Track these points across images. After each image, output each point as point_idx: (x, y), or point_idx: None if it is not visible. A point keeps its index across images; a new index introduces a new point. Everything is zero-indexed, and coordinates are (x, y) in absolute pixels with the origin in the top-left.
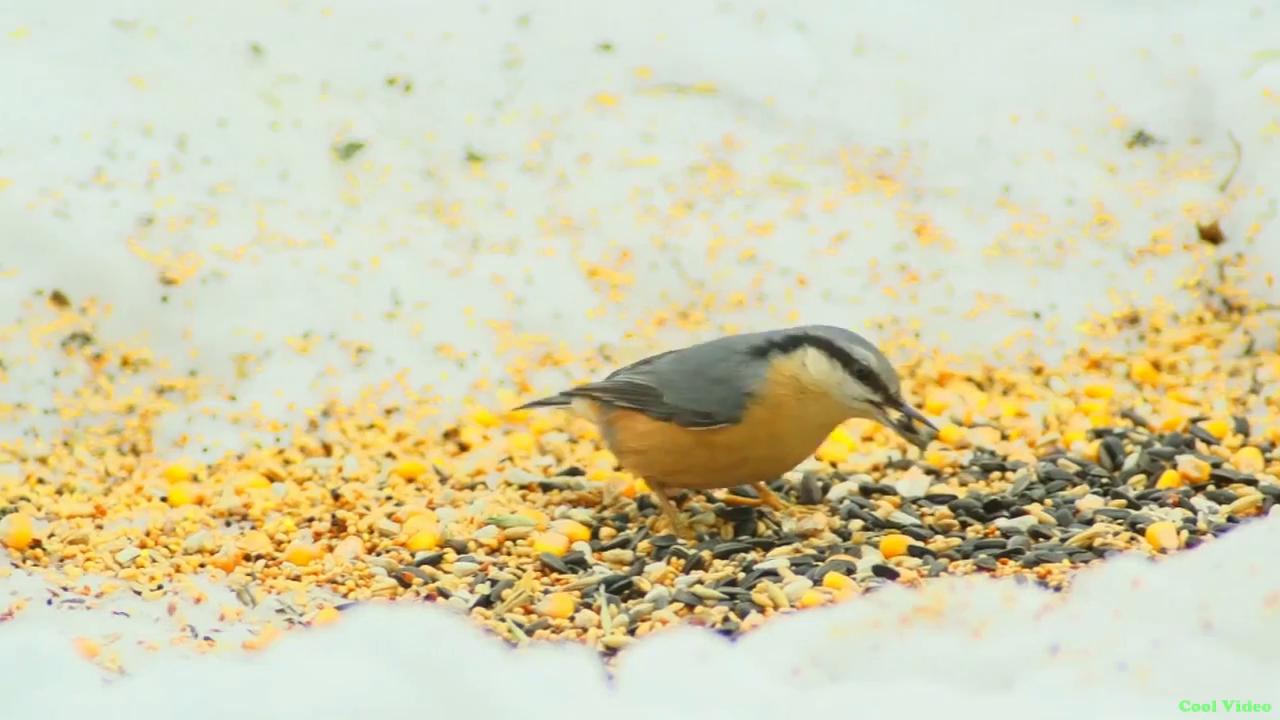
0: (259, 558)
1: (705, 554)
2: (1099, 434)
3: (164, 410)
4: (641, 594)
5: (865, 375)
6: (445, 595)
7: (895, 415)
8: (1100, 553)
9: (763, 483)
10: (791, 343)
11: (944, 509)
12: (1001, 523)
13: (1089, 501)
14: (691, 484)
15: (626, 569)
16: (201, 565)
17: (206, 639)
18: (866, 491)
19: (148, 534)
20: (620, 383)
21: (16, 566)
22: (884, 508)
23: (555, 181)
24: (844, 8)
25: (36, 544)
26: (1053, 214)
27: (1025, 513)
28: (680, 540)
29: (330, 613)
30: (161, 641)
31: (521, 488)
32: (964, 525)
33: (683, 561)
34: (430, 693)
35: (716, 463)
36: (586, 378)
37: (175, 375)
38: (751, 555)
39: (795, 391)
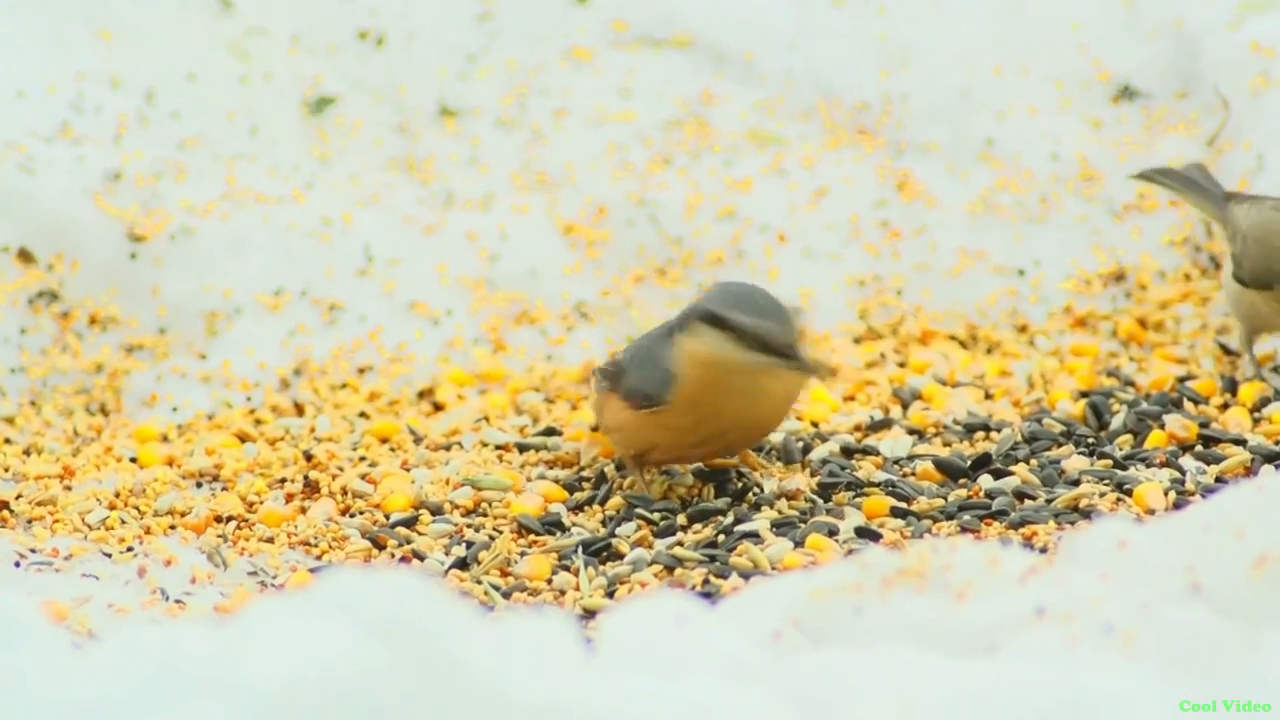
0: (230, 519)
1: (681, 517)
2: (1084, 393)
3: (133, 369)
4: (620, 556)
5: (748, 338)
6: (420, 557)
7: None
8: (1086, 514)
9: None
10: (685, 319)
11: (927, 465)
12: (986, 484)
13: (1074, 462)
14: (668, 460)
15: (604, 531)
16: (172, 527)
17: (177, 602)
18: (848, 452)
19: (117, 495)
20: (608, 362)
21: None
22: (865, 468)
23: (530, 137)
24: None
25: (4, 505)
26: (1036, 169)
27: (1010, 473)
28: (649, 508)
29: (303, 575)
30: (132, 604)
31: (497, 448)
32: (947, 485)
33: (653, 527)
34: (405, 656)
35: (681, 440)
36: (563, 336)
37: (144, 333)
38: (728, 519)
39: (705, 366)
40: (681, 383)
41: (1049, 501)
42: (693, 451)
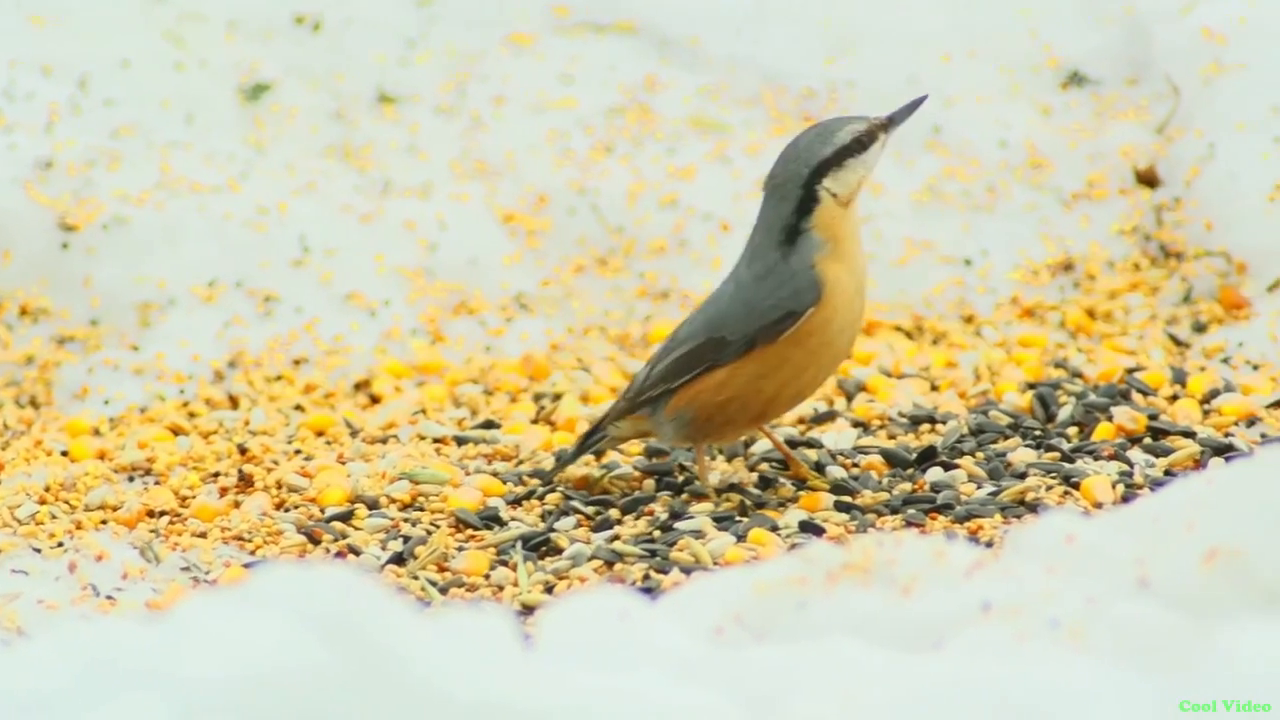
0: (163, 514)
1: (614, 511)
2: (1032, 385)
3: (64, 361)
4: (559, 551)
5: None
6: (356, 552)
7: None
8: (1033, 507)
9: (787, 447)
10: (807, 200)
11: (874, 457)
12: (931, 477)
13: (1021, 454)
14: (733, 430)
15: (543, 525)
16: (103, 522)
17: (108, 598)
18: (792, 444)
19: (47, 489)
20: (662, 370)
21: None
22: (810, 460)
23: (469, 124)
24: None
25: None
26: (984, 157)
27: (956, 466)
28: (709, 498)
29: (237, 571)
30: (62, 601)
31: (435, 441)
32: (892, 478)
33: (590, 521)
34: (341, 653)
35: (802, 366)
36: (502, 327)
37: (76, 325)
38: (663, 512)
39: (843, 219)
40: (826, 257)
41: (995, 495)
42: (795, 386)
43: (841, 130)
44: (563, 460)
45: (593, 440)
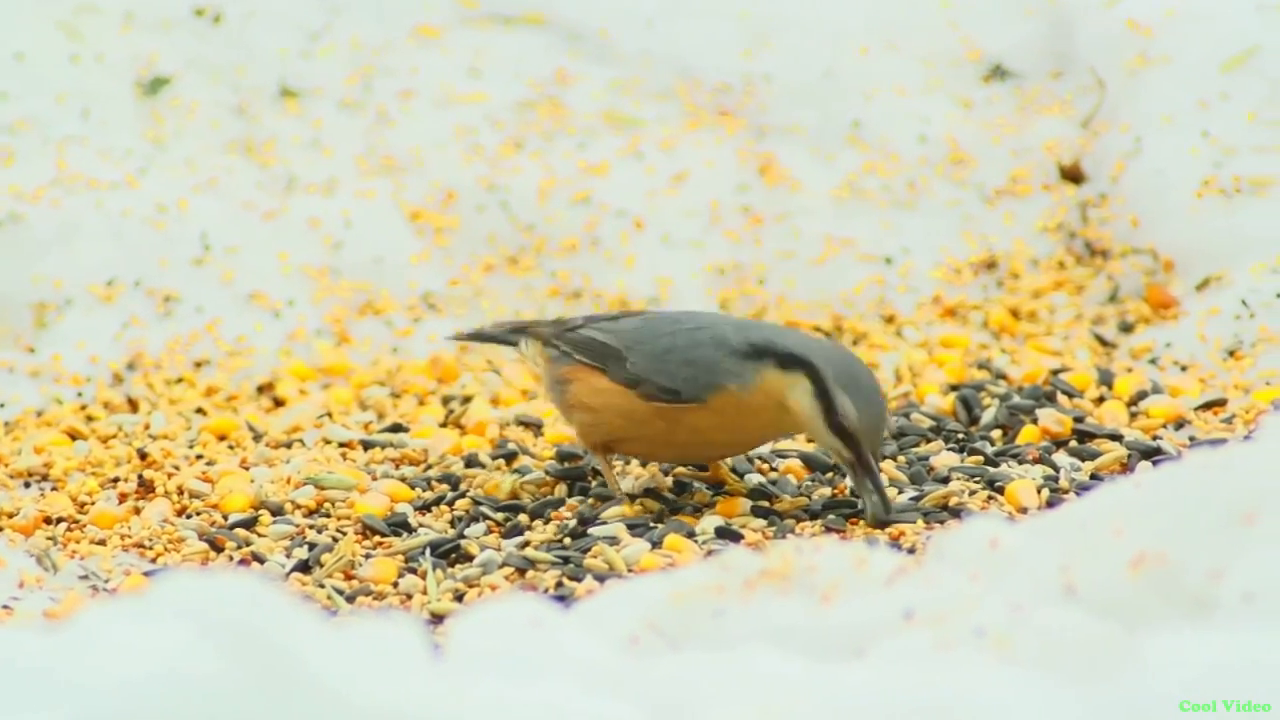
0: (60, 521)
1: (523, 517)
2: (954, 386)
3: None
4: (469, 558)
5: (841, 431)
6: (260, 560)
7: (860, 478)
8: (956, 513)
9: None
10: (790, 362)
11: (793, 461)
12: (850, 481)
13: (944, 458)
14: (640, 454)
15: (453, 531)
16: None
17: (5, 607)
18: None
19: None
20: (582, 337)
21: None
22: (726, 463)
23: (375, 118)
24: None
25: None
26: (905, 152)
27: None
28: (618, 503)
29: (137, 579)
30: None
31: (341, 445)
32: (811, 482)
33: (500, 528)
34: (245, 663)
35: (674, 438)
36: (409, 328)
37: None
38: (571, 518)
39: (775, 405)
40: (734, 396)
41: (917, 500)
42: (671, 452)
43: (845, 400)
44: (473, 335)
45: (502, 338)
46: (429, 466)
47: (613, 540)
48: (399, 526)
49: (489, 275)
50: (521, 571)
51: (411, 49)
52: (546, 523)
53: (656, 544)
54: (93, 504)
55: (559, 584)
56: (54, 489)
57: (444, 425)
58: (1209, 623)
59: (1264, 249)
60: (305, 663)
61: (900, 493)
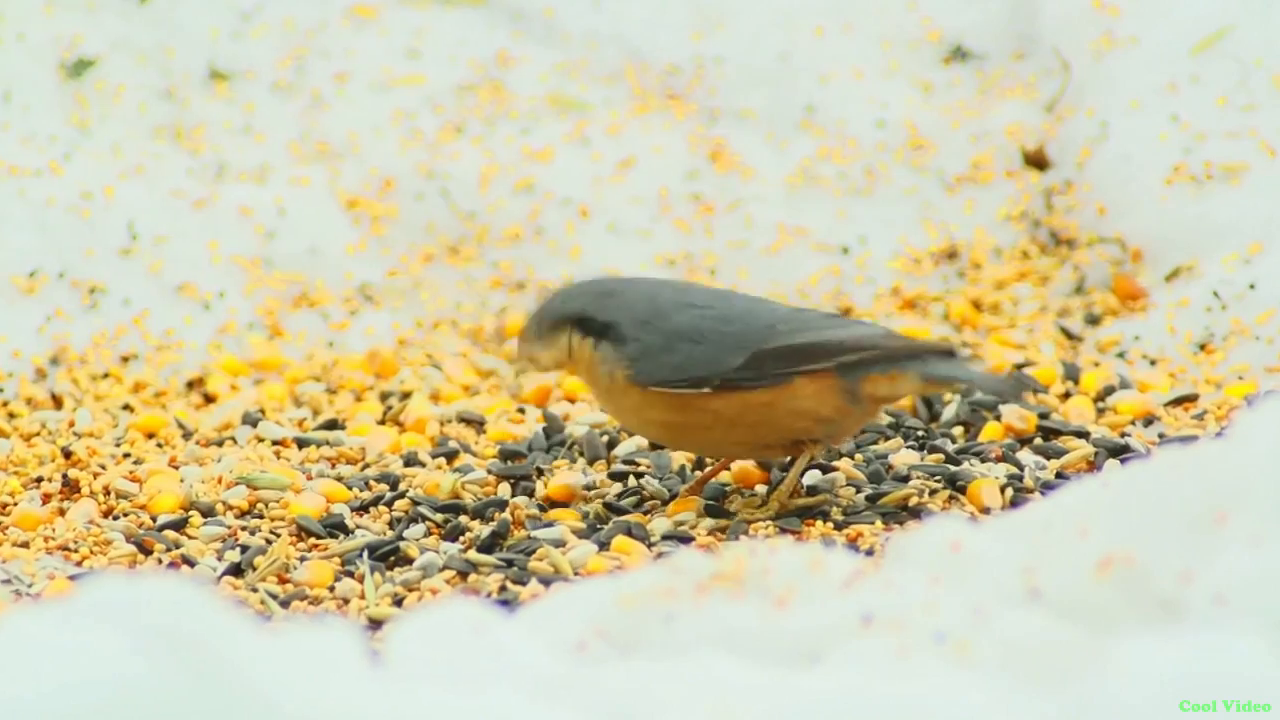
0: None
1: (465, 518)
2: None
3: None
4: (409, 561)
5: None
6: (190, 563)
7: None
8: (916, 513)
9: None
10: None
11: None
12: (807, 480)
13: (903, 456)
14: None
15: (391, 533)
16: None
17: None
18: (656, 447)
19: None
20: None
21: None
22: (677, 460)
23: (309, 102)
24: None
25: None
26: (862, 137)
27: (833, 469)
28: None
29: (62, 583)
30: None
31: (275, 443)
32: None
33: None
34: (175, 670)
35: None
36: (346, 320)
37: None
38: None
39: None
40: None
41: (876, 500)
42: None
43: None
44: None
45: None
46: (366, 465)
47: (559, 542)
48: (335, 528)
49: (428, 266)
50: (463, 575)
51: (347, 30)
52: (487, 523)
53: (604, 546)
54: (15, 505)
55: (502, 588)
56: None
57: (382, 422)
58: (1179, 627)
59: (1236, 238)
60: (238, 671)
61: (858, 492)
